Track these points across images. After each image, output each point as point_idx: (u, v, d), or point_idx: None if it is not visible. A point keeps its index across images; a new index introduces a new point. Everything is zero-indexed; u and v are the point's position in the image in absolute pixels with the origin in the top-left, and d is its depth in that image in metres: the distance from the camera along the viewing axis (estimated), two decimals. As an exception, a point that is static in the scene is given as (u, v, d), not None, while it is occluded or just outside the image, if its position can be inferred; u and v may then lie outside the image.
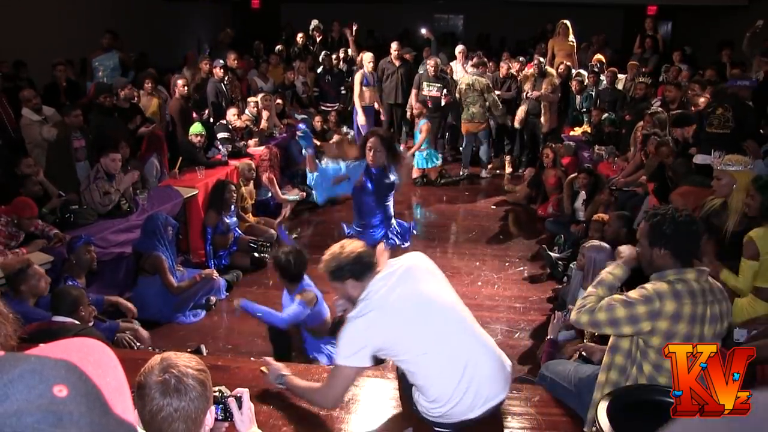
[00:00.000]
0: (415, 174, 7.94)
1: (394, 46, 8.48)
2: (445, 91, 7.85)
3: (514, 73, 8.48)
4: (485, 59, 8.38)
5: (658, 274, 2.24)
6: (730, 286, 3.32)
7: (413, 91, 8.03)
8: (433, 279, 2.29)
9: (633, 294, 2.19)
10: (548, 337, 3.29)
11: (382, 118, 8.45)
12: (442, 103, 7.91)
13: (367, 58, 8.20)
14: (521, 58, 9.10)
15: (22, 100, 5.44)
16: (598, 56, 8.94)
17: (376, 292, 2.21)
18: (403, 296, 2.18)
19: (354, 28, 9.90)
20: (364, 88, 8.20)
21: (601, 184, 5.80)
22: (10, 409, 0.56)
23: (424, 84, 7.90)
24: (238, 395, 1.71)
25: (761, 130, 5.57)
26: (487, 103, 7.86)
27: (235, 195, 5.60)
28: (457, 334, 2.21)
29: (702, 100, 5.61)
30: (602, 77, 8.37)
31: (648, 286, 2.19)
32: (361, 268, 2.26)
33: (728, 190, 3.73)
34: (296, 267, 3.67)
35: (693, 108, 5.77)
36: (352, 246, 2.32)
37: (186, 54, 9.66)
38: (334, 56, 9.47)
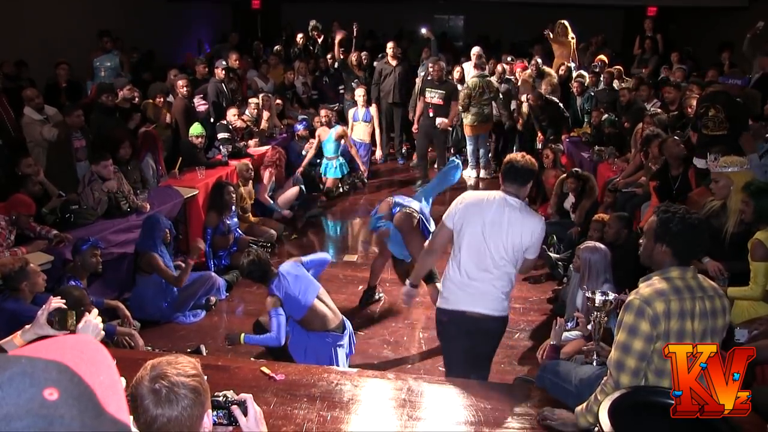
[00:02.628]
0: (329, 184, 7.50)
1: (390, 45, 8.45)
2: (442, 97, 7.48)
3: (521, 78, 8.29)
4: (484, 59, 8.36)
5: (645, 277, 2.25)
6: (739, 298, 3.30)
7: (419, 98, 7.76)
8: (506, 228, 2.92)
9: (622, 330, 2.16)
10: (551, 342, 3.26)
11: (376, 122, 8.15)
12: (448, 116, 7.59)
13: (359, 93, 7.90)
14: (509, 58, 9.12)
15: (24, 99, 5.43)
16: (601, 56, 8.94)
17: (485, 194, 3.07)
18: (489, 211, 2.95)
19: (355, 29, 9.91)
20: (354, 123, 7.99)
21: (590, 190, 5.69)
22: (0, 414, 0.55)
23: (427, 91, 7.59)
24: (242, 400, 1.70)
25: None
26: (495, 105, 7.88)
27: (234, 196, 5.60)
28: (487, 260, 2.94)
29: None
30: (601, 78, 8.36)
31: (631, 298, 2.18)
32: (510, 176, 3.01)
33: (726, 191, 3.73)
34: (256, 267, 3.65)
35: (689, 109, 5.75)
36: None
37: (186, 55, 9.68)
38: (329, 57, 9.49)
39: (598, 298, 2.80)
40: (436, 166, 8.36)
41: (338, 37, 9.15)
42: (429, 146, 8.02)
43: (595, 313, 2.79)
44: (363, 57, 9.25)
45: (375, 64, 8.99)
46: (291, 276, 3.64)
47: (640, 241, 2.35)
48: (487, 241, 2.92)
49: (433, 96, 7.53)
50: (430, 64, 7.84)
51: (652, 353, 2.14)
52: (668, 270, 2.19)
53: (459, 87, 8.26)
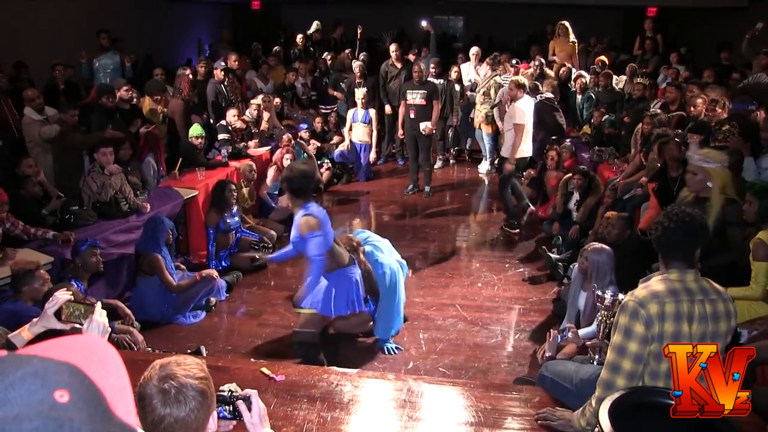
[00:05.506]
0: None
1: (393, 47, 8.43)
2: (424, 96, 7.28)
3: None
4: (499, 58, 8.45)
5: (644, 278, 2.26)
6: (740, 298, 3.28)
7: (402, 102, 7.56)
8: None
9: (618, 332, 2.16)
10: (547, 354, 3.27)
11: (375, 125, 8.14)
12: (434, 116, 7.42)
13: (359, 94, 7.88)
14: (514, 61, 9.13)
15: (25, 99, 5.42)
16: (602, 57, 8.95)
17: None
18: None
19: (358, 31, 9.93)
20: (353, 124, 7.99)
21: (595, 187, 5.76)
22: (10, 414, 0.54)
23: (408, 93, 7.38)
24: (247, 396, 1.70)
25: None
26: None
27: (235, 194, 5.59)
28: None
29: (700, 101, 5.59)
30: (601, 79, 8.37)
31: (626, 300, 2.18)
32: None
33: (702, 185, 3.72)
34: (305, 181, 3.53)
35: (693, 109, 5.74)
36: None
37: (189, 58, 9.67)
38: (328, 57, 9.47)
39: (608, 297, 2.78)
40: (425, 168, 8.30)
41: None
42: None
43: (603, 311, 2.78)
44: (362, 58, 9.24)
45: (356, 64, 8.88)
46: (322, 212, 3.57)
47: None
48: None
49: (415, 96, 7.31)
50: (414, 67, 7.64)
51: (647, 355, 2.13)
52: (668, 271, 2.18)
53: (457, 87, 8.31)
